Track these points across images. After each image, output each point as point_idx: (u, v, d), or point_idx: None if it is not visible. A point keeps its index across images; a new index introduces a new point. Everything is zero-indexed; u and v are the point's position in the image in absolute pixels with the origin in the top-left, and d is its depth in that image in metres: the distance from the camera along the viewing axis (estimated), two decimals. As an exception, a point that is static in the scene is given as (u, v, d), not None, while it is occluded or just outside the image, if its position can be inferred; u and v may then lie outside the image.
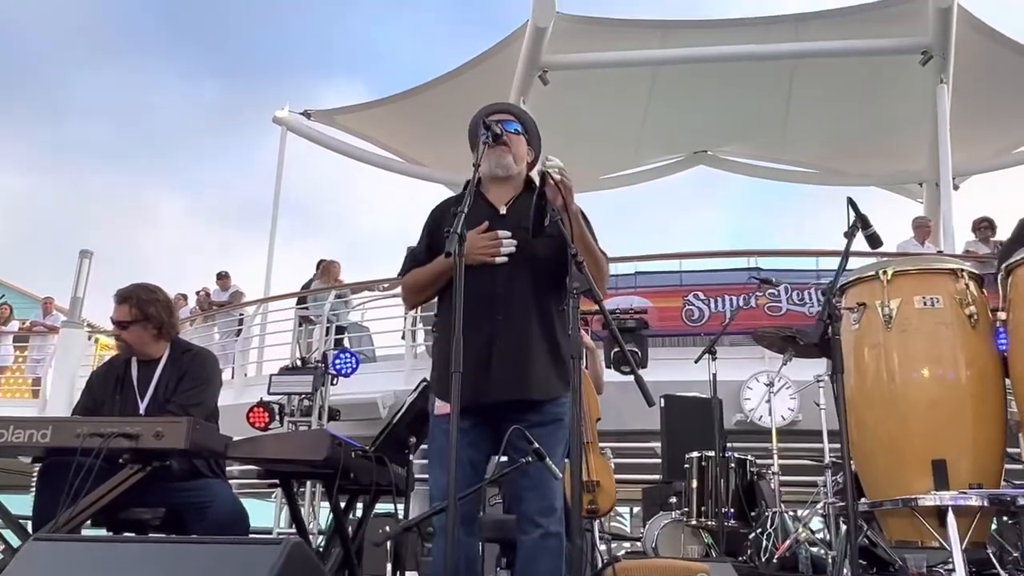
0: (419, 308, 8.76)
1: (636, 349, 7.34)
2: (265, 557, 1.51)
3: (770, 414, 5.13)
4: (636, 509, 9.76)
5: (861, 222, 2.50)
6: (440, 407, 2.46)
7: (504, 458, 2.39)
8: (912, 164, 12.19)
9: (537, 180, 2.50)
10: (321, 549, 3.49)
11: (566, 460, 2.46)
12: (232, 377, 9.82)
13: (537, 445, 2.28)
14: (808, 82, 11.32)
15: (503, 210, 2.54)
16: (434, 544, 2.48)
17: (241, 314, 10.80)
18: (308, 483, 6.70)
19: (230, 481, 8.12)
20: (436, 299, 2.62)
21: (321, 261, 10.59)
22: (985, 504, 2.48)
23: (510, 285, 2.44)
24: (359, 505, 3.62)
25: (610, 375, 6.19)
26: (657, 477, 6.56)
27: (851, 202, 2.53)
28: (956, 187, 11.35)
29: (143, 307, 3.32)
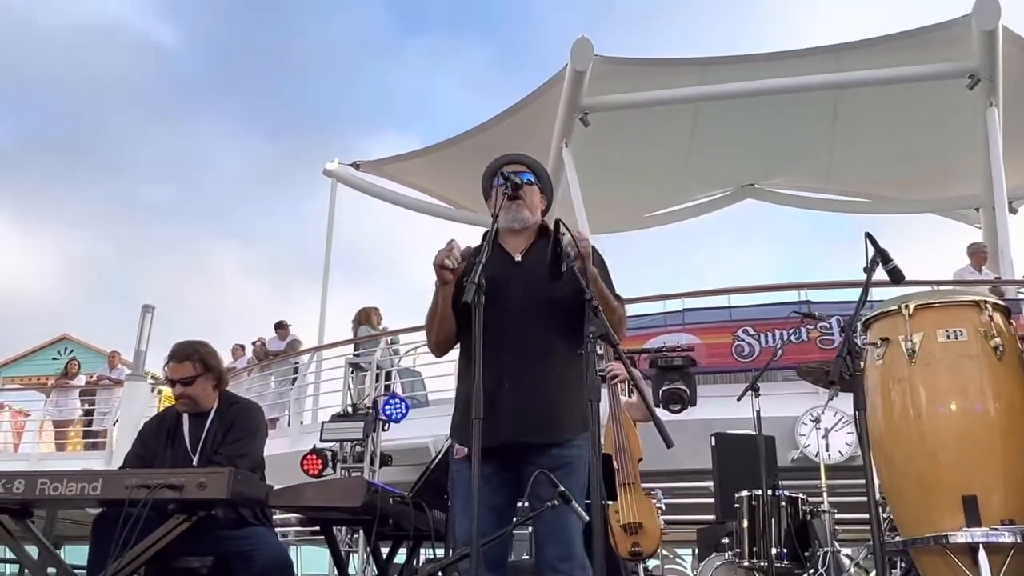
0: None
1: (684, 387, 7.29)
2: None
3: (827, 450, 5.02)
4: (696, 551, 9.57)
5: (881, 257, 2.48)
6: (460, 450, 2.52)
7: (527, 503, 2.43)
8: (967, 189, 11.91)
9: (551, 226, 2.58)
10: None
11: (587, 502, 2.48)
12: (288, 425, 10.01)
13: (563, 488, 2.31)
14: (853, 111, 11.22)
15: (518, 258, 2.62)
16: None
17: (296, 363, 11.04)
18: (361, 530, 6.78)
19: (288, 528, 8.27)
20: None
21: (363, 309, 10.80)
22: (1018, 540, 2.40)
23: (520, 329, 2.49)
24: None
25: (659, 414, 6.13)
26: (712, 517, 6.45)
27: (869, 237, 2.52)
28: (1014, 211, 11.06)
29: (205, 360, 3.48)
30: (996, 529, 2.44)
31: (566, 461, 2.45)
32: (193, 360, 3.44)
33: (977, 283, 8.29)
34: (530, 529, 4.23)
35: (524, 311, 2.51)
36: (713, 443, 6.18)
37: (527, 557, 4.73)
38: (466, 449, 2.41)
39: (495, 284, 2.46)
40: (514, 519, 2.48)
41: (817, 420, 4.85)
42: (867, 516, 6.01)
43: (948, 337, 2.64)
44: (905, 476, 2.69)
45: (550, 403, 2.46)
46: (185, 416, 3.50)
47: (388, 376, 9.25)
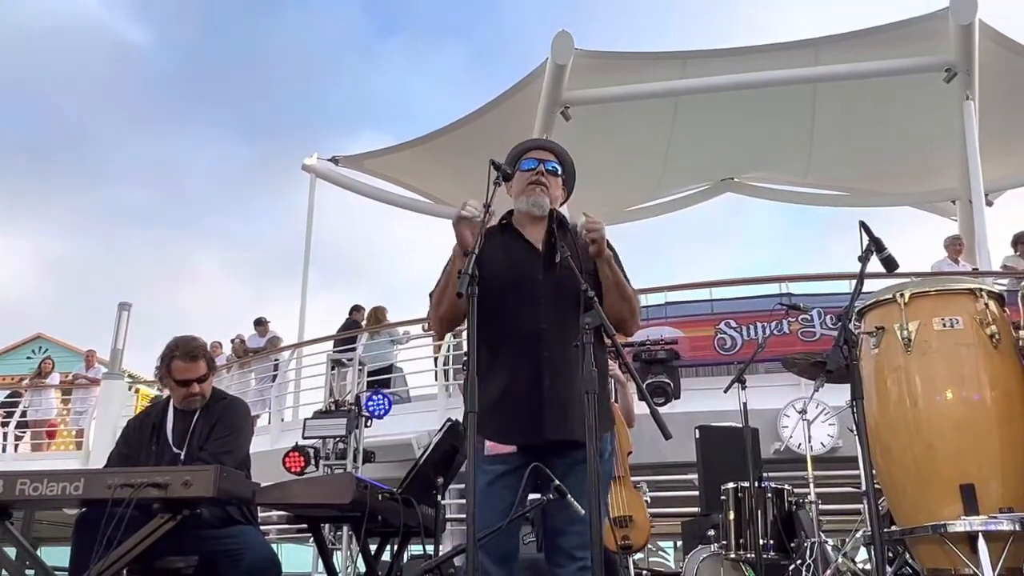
0: (451, 347, 8.87)
1: (668, 380, 7.31)
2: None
3: (808, 441, 5.04)
4: (680, 543, 9.61)
5: (875, 245, 2.47)
6: (489, 446, 2.45)
7: (536, 495, 2.40)
8: (944, 182, 12.03)
9: (565, 216, 2.55)
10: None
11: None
12: (269, 422, 9.91)
13: (558, 482, 2.29)
14: (831, 105, 11.29)
15: (541, 248, 2.55)
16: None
17: (276, 359, 10.93)
18: (345, 527, 6.72)
19: (269, 526, 8.19)
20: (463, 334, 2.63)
21: (357, 307, 10.76)
22: (1017, 528, 2.40)
23: (554, 321, 2.43)
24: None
25: (644, 407, 6.11)
26: (697, 510, 6.46)
27: (863, 225, 2.51)
28: (990, 203, 11.18)
29: (210, 358, 3.49)
30: (994, 517, 2.43)
31: (599, 454, 2.41)
32: (205, 359, 3.43)
33: (954, 275, 8.37)
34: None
35: (555, 303, 2.44)
36: (697, 436, 6.18)
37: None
38: (502, 447, 2.36)
39: (521, 274, 2.45)
40: (522, 512, 2.43)
41: (803, 411, 4.86)
42: (850, 507, 6.06)
43: (944, 325, 2.63)
44: (902, 466, 2.68)
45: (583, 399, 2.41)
46: (170, 413, 3.43)
47: (371, 373, 9.20)
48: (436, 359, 9.32)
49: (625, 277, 2.52)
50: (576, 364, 2.37)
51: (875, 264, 2.66)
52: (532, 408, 2.36)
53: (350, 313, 10.84)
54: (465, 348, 7.63)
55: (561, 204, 2.67)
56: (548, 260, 2.49)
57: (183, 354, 3.37)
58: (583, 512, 2.34)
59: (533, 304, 2.43)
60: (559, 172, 2.59)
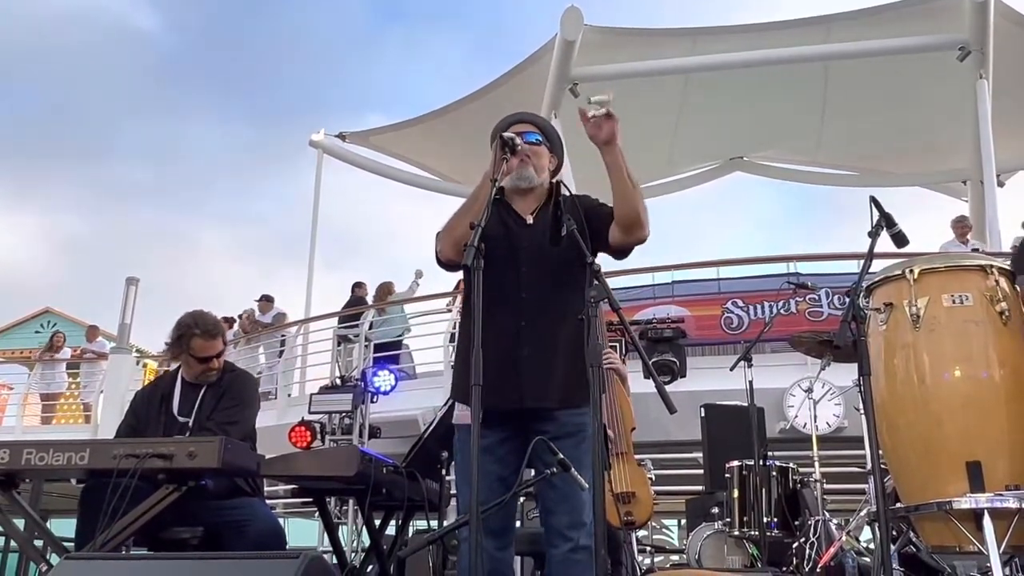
0: (457, 325, 8.86)
1: (674, 359, 7.30)
2: (284, 570, 1.54)
3: (814, 421, 5.03)
4: (683, 521, 9.64)
5: (885, 221, 2.44)
6: (462, 416, 2.45)
7: (532, 470, 2.39)
8: (955, 162, 11.92)
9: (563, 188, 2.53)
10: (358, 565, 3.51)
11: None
12: (276, 397, 9.95)
13: (562, 456, 2.27)
14: (842, 83, 11.18)
15: (529, 220, 2.54)
16: (459, 557, 2.47)
17: (283, 335, 10.96)
18: (351, 501, 6.76)
19: (275, 500, 8.25)
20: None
21: (359, 283, 10.77)
22: (1023, 506, 2.40)
23: (534, 291, 2.43)
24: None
25: (650, 384, 6.09)
26: (701, 488, 6.47)
27: (874, 201, 2.48)
28: (1001, 184, 11.08)
29: (224, 333, 3.55)
30: (1000, 494, 2.42)
31: (579, 428, 2.40)
32: (222, 336, 3.48)
33: (947, 253, 8.29)
34: (522, 500, 4.23)
35: (538, 273, 2.44)
36: (703, 414, 6.18)
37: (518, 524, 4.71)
38: (468, 416, 2.36)
39: (507, 244, 2.43)
40: (524, 485, 2.42)
41: (809, 390, 4.84)
42: (854, 486, 6.05)
43: (953, 302, 2.60)
44: (909, 443, 2.67)
45: (564, 367, 2.39)
46: (178, 384, 3.44)
47: (381, 347, 9.21)
48: (444, 335, 9.31)
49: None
50: (556, 334, 2.39)
51: (885, 242, 2.65)
52: (505, 375, 2.33)
53: (353, 290, 10.87)
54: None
55: (555, 172, 2.65)
56: (540, 232, 2.48)
57: (203, 332, 3.40)
58: (587, 487, 2.34)
59: (515, 274, 2.43)
60: (540, 141, 2.58)
